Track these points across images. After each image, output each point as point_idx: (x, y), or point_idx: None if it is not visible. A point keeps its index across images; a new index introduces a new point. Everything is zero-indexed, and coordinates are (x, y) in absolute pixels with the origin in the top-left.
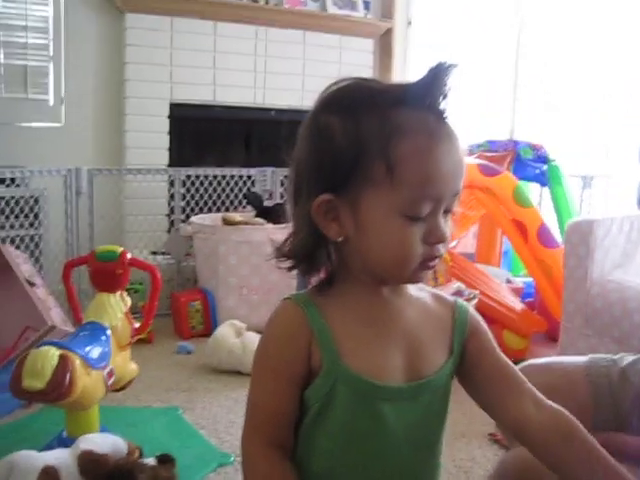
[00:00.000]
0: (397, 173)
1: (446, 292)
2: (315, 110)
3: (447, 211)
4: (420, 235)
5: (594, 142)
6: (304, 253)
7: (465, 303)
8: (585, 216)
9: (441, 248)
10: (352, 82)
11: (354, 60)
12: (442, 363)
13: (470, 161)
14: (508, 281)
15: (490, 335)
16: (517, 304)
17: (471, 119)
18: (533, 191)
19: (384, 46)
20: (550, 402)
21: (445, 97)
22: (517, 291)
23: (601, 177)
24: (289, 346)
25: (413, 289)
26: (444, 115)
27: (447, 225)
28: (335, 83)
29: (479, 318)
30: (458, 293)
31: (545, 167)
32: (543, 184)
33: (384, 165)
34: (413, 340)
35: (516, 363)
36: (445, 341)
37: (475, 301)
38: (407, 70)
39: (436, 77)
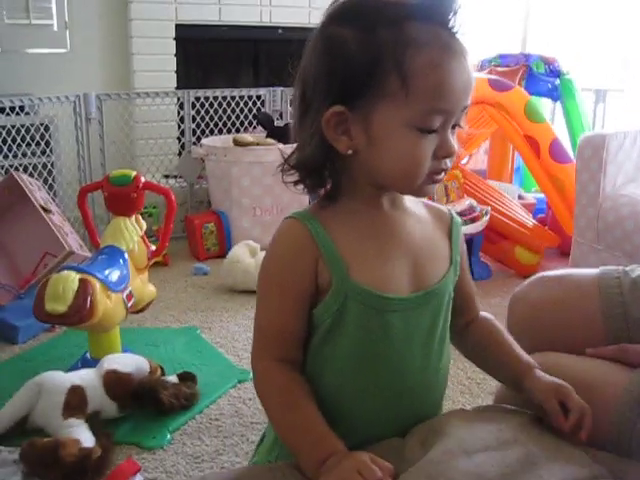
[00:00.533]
0: (412, 86)
1: (458, 209)
2: (324, 23)
3: (455, 126)
4: (432, 149)
5: (609, 54)
6: (311, 166)
7: (457, 216)
8: (598, 130)
9: (448, 162)
10: None
11: None
12: (445, 271)
13: (481, 76)
14: (520, 197)
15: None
16: (529, 220)
17: (482, 32)
18: (545, 106)
19: None
20: (484, 313)
21: (455, 13)
22: (529, 207)
23: (615, 91)
24: (295, 263)
25: (409, 201)
26: (455, 31)
27: (454, 139)
28: None
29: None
30: (470, 209)
31: (558, 81)
32: (555, 99)
33: (399, 78)
34: (416, 251)
35: (528, 277)
36: (445, 250)
37: (487, 217)
38: None
39: None
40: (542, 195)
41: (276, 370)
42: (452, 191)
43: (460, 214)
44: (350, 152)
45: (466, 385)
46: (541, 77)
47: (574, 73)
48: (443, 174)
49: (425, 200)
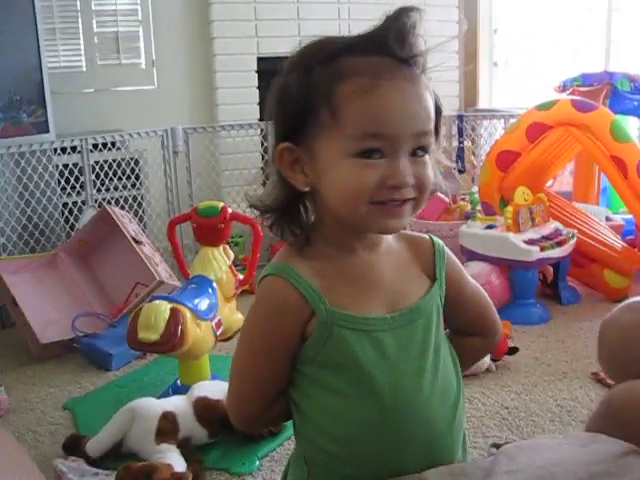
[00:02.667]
0: (340, 115)
1: (544, 232)
2: (280, 74)
3: (418, 151)
4: (377, 176)
5: None
6: (277, 206)
7: (438, 240)
8: None
9: (405, 192)
10: (314, 41)
11: (439, 2)
12: (426, 290)
13: (564, 97)
14: (607, 219)
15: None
16: (617, 242)
17: (563, 50)
18: (632, 125)
19: None
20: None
21: (402, 41)
22: (617, 229)
23: None
24: (283, 324)
25: (388, 241)
26: (402, 57)
27: (420, 166)
28: (302, 45)
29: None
30: (556, 233)
31: None
32: None
33: (328, 110)
34: (388, 284)
35: (618, 302)
36: (426, 272)
37: (573, 241)
38: (493, 9)
39: (390, 21)
40: (631, 216)
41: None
42: (537, 215)
43: (546, 238)
44: (307, 188)
45: (556, 413)
46: (626, 95)
47: None
48: (398, 204)
49: (407, 232)
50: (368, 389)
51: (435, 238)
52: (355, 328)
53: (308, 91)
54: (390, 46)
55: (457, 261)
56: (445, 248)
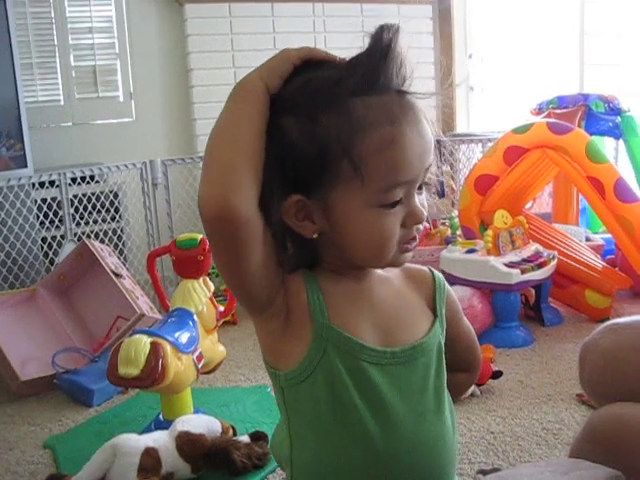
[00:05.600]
0: (366, 170)
1: (524, 254)
2: (271, 111)
3: (420, 187)
4: (399, 219)
5: None
6: (300, 261)
7: (438, 273)
8: None
9: (420, 226)
10: (303, 79)
11: (414, 28)
12: (429, 326)
13: (540, 120)
14: (587, 239)
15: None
16: (598, 262)
17: (538, 74)
18: (608, 145)
19: (443, 12)
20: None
21: (400, 73)
22: (597, 249)
23: None
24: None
25: (380, 270)
26: (403, 90)
27: (422, 197)
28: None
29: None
30: (537, 255)
31: (619, 119)
32: (617, 137)
33: (351, 164)
34: (387, 315)
35: (600, 322)
36: (425, 308)
37: (554, 262)
38: (468, 35)
39: (383, 53)
40: (610, 236)
41: None
42: (517, 237)
43: (527, 260)
44: (315, 235)
45: (542, 436)
46: (601, 116)
47: (637, 109)
48: (415, 242)
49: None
50: (359, 431)
51: (435, 271)
52: (349, 353)
53: (319, 144)
54: (392, 81)
55: (455, 296)
56: (445, 282)
